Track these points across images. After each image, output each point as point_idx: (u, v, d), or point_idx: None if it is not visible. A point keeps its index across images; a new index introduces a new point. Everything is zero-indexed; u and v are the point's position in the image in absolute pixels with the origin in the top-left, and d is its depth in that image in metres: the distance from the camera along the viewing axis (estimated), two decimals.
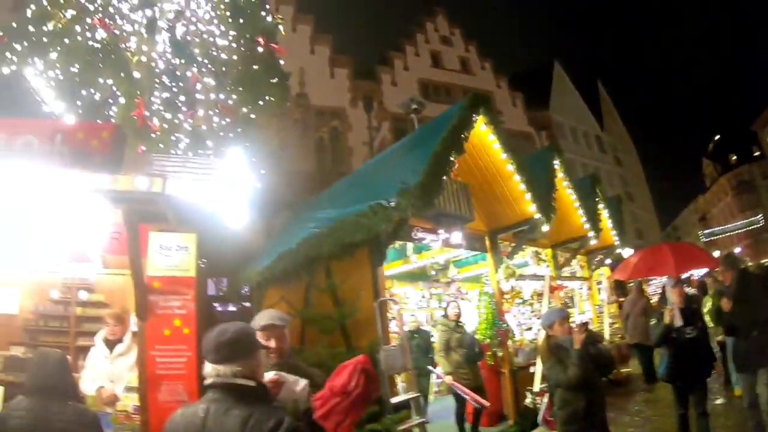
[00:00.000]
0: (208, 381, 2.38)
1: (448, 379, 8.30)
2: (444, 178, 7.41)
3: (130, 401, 5.44)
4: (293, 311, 8.34)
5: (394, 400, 6.69)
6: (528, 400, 9.11)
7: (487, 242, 10.21)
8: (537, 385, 9.01)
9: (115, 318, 6.15)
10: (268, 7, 11.02)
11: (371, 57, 35.53)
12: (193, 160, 6.50)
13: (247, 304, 11.60)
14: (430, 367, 9.31)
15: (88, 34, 8.81)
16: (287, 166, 18.53)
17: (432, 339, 9.77)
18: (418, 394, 6.95)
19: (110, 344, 6.02)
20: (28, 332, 7.52)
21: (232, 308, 13.14)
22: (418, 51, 34.19)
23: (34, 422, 3.19)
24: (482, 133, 8.96)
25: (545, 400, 7.52)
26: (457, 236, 8.65)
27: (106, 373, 5.78)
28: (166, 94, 8.90)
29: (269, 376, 2.85)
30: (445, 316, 9.04)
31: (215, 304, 13.01)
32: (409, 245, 10.58)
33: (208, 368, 2.38)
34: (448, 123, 8.09)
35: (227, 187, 5.07)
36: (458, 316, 8.81)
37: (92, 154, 4.49)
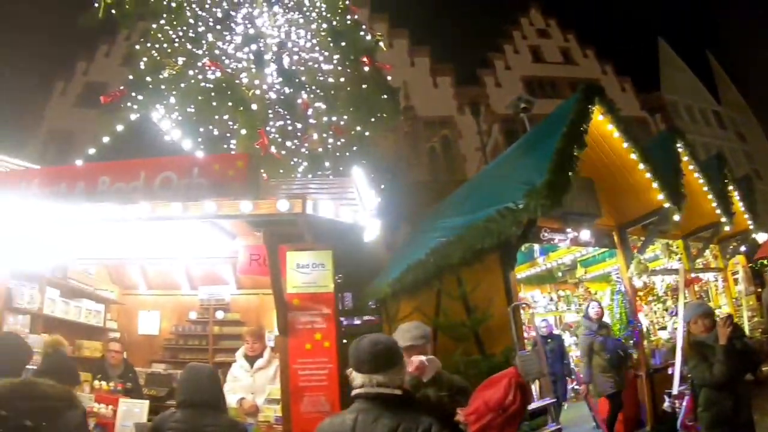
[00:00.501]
0: (357, 391, 2.43)
1: (582, 389, 8.04)
2: (570, 174, 7.24)
3: (271, 412, 5.70)
4: (427, 321, 8.37)
5: (530, 406, 6.60)
6: (666, 404, 8.60)
7: (616, 238, 9.78)
8: (676, 388, 8.48)
9: (254, 335, 6.52)
10: (364, 27, 11.33)
11: (471, 61, 35.27)
12: (319, 180, 6.78)
13: (373, 317, 11.73)
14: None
15: (200, 76, 9.53)
16: (403, 179, 18.87)
17: (565, 343, 9.54)
18: (554, 400, 6.80)
19: (250, 359, 6.39)
20: (169, 350, 8.28)
21: (357, 322, 13.33)
22: (517, 48, 33.50)
23: None
24: (600, 123, 8.63)
25: (684, 403, 7.08)
26: (585, 234, 8.37)
27: (247, 386, 6.16)
28: (280, 122, 9.36)
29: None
30: (587, 317, 8.69)
31: (341, 319, 13.34)
32: (536, 247, 10.40)
33: (359, 378, 2.42)
34: (565, 118, 7.83)
35: (357, 204, 5.27)
36: (600, 316, 8.46)
37: (229, 184, 4.78)
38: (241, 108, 8.85)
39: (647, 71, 37.22)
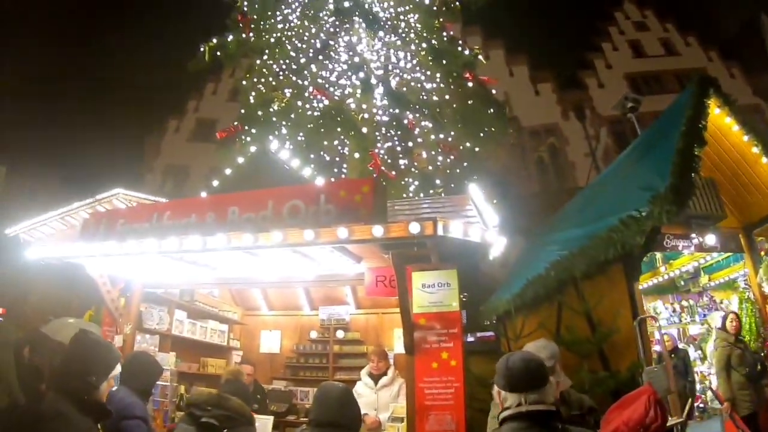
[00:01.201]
0: (511, 411, 2.33)
1: (726, 407, 7.54)
2: (693, 175, 6.87)
3: (395, 430, 5.86)
4: (549, 337, 8.16)
5: None
6: None
7: (742, 240, 9.16)
8: None
9: (379, 355, 6.83)
10: (461, 42, 11.35)
11: (570, 64, 34.27)
12: (431, 199, 6.81)
13: (487, 333, 11.55)
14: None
15: (308, 105, 9.89)
16: (513, 191, 18.63)
17: (691, 358, 9.02)
18: (682, 419, 6.43)
19: (374, 377, 6.69)
20: (290, 368, 8.78)
21: (470, 339, 13.20)
22: (615, 45, 31.90)
23: None
24: (716, 117, 8.13)
25: None
26: (710, 238, 7.90)
27: (371, 402, 6.45)
28: (388, 143, 9.51)
29: None
30: (723, 328, 8.18)
31: None
32: (657, 255, 9.93)
33: (513, 398, 2.34)
34: (681, 114, 7.40)
35: (478, 221, 5.26)
36: (738, 329, 7.95)
37: (357, 209, 4.88)
38: (352, 132, 9.05)
39: (754, 52, 34.40)
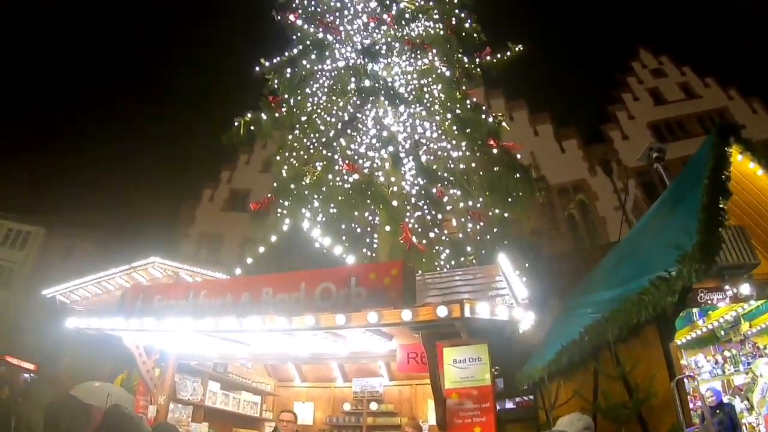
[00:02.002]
0: None
1: None
2: (720, 230, 6.81)
3: None
4: (586, 405, 8.02)
5: None
6: None
7: None
8: None
9: (412, 427, 6.94)
10: (485, 108, 11.60)
11: (593, 118, 34.35)
12: (463, 271, 6.88)
13: (525, 398, 11.35)
14: None
15: (338, 179, 10.17)
16: (545, 251, 18.56)
17: (736, 411, 8.73)
18: None
19: None
20: None
21: (509, 405, 12.98)
22: (636, 95, 32.08)
23: None
24: (740, 164, 8.06)
25: None
26: (745, 287, 7.76)
27: None
28: (418, 213, 9.66)
29: None
30: None
31: None
32: (694, 309, 9.76)
33: None
34: (704, 165, 7.38)
35: (507, 293, 5.31)
36: None
37: (386, 291, 5.01)
38: (382, 205, 9.23)
39: None
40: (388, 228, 9.24)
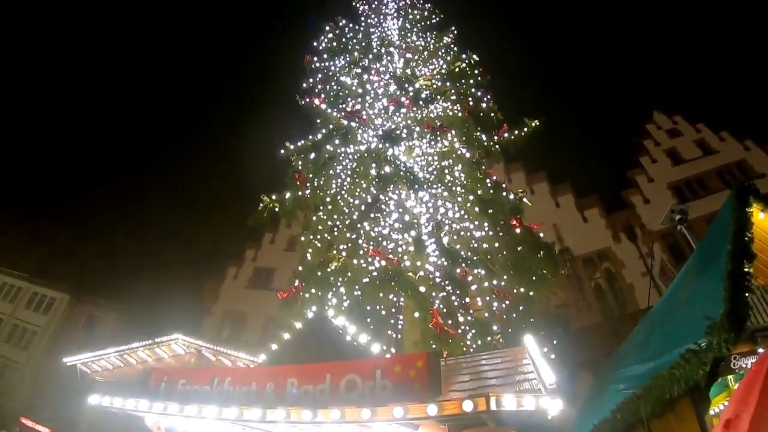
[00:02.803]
0: None
1: None
2: (748, 295, 6.66)
3: None
4: None
5: None
6: None
7: None
8: None
9: None
10: (505, 185, 11.71)
11: (613, 184, 34.17)
12: (489, 355, 6.81)
13: None
14: None
15: (363, 263, 10.28)
16: (574, 324, 18.25)
17: None
18: None
19: None
20: None
21: None
22: (653, 157, 31.86)
23: None
24: (762, 222, 7.95)
25: None
26: None
27: None
28: (442, 294, 9.65)
29: None
30: None
31: None
32: (729, 376, 9.46)
33: None
34: (725, 231, 7.28)
35: (534, 378, 5.22)
36: None
37: (412, 384, 4.99)
38: (409, 292, 9.24)
39: None
40: (416, 314, 9.21)
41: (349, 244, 10.92)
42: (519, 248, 10.44)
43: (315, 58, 15.69)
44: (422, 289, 9.45)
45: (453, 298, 9.64)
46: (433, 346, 8.84)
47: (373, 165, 11.54)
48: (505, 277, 10.00)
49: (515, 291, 9.96)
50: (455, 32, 16.64)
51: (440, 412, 4.57)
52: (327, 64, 15.50)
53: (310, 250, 11.55)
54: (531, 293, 9.97)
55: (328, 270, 10.31)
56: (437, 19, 17.77)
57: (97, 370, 14.24)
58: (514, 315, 9.61)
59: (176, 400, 6.42)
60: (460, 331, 9.30)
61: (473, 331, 9.35)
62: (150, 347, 13.20)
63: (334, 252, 10.98)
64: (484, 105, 13.55)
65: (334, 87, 14.59)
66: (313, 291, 10.11)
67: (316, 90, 14.78)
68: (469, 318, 9.53)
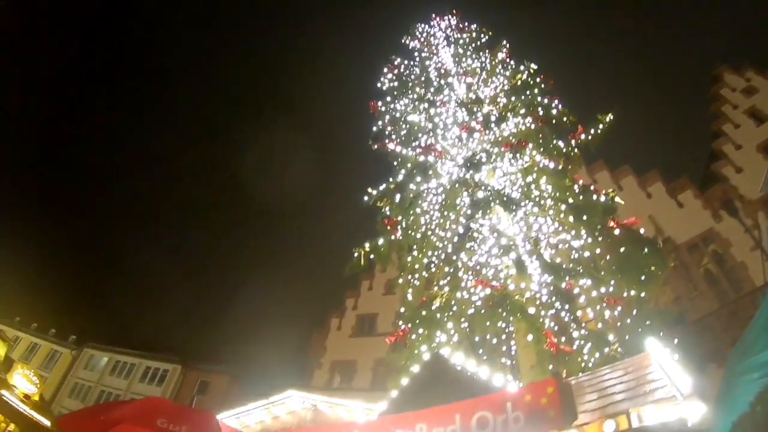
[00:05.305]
0: None
1: None
2: None
3: None
4: None
5: None
6: None
7: None
8: None
9: None
10: (593, 188, 11.46)
11: (701, 161, 32.21)
12: (610, 368, 6.62)
13: None
14: None
15: (466, 294, 10.30)
16: (690, 317, 17.48)
17: None
18: None
19: None
20: None
21: None
22: (735, 122, 29.48)
23: None
24: None
25: None
26: None
27: None
28: (551, 312, 9.50)
29: None
30: None
31: None
32: None
33: None
34: None
35: (665, 384, 5.04)
36: None
37: (545, 412, 4.93)
38: (519, 315, 9.16)
39: None
40: (530, 337, 9.09)
41: (449, 278, 10.98)
42: (621, 249, 10.15)
43: (379, 103, 16.01)
44: (531, 310, 9.34)
45: (562, 314, 9.44)
46: (551, 367, 8.70)
47: (465, 193, 11.59)
48: (612, 282, 9.74)
49: (625, 295, 9.67)
50: (507, 46, 16.66)
51: None
52: (392, 106, 15.75)
53: (410, 290, 11.67)
54: (642, 294, 9.65)
55: (432, 308, 10.37)
56: (486, 37, 17.78)
57: None
58: (629, 321, 9.31)
59: None
60: (575, 347, 9.09)
61: (589, 344, 9.11)
62: (265, 407, 13.54)
63: (436, 289, 11.04)
64: (554, 111, 13.38)
65: (404, 127, 14.83)
66: (420, 331, 10.18)
67: (387, 133, 15.08)
68: (583, 332, 9.30)
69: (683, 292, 22.95)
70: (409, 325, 10.46)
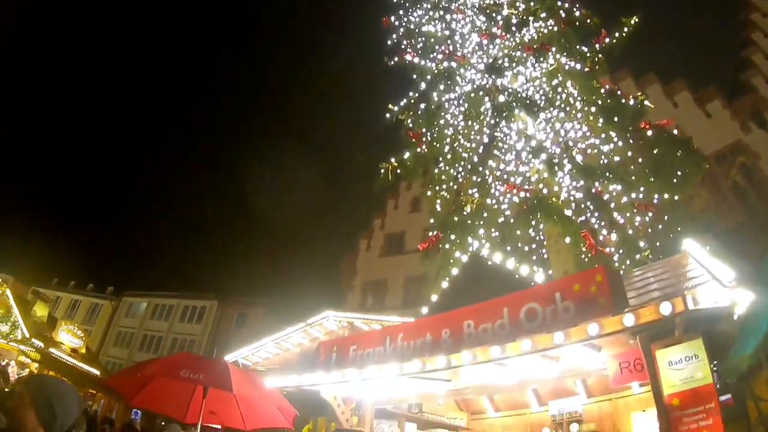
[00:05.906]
0: None
1: None
2: None
3: None
4: None
5: None
6: None
7: None
8: None
9: None
10: (620, 92, 11.12)
11: (729, 70, 30.94)
12: (642, 270, 6.56)
13: (727, 397, 10.06)
14: None
15: (494, 201, 10.19)
16: (717, 229, 17.29)
17: None
18: None
19: None
20: None
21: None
22: (766, 31, 27.94)
23: None
24: None
25: None
26: None
27: None
28: (581, 218, 9.39)
29: None
30: None
31: None
32: None
33: None
34: None
35: (708, 279, 4.96)
36: None
37: (595, 300, 4.86)
38: (556, 217, 9.00)
39: None
40: (568, 240, 8.97)
41: (478, 187, 10.87)
42: (655, 151, 9.91)
43: (392, 18, 15.33)
44: (568, 212, 9.21)
45: (593, 220, 9.34)
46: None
47: (486, 99, 11.31)
48: (642, 189, 9.56)
49: (656, 201, 9.51)
50: None
51: (637, 321, 4.38)
52: (405, 18, 15.10)
53: (438, 202, 11.59)
54: (675, 197, 9.46)
55: (464, 214, 10.27)
56: None
57: (258, 361, 15.14)
58: (660, 227, 9.19)
59: (352, 366, 6.62)
60: (606, 252, 9.01)
61: (620, 251, 9.03)
62: (303, 329, 13.81)
63: (467, 196, 10.93)
64: (577, 14, 12.82)
65: (420, 39, 14.26)
66: (452, 237, 10.12)
67: (402, 46, 14.50)
68: (613, 238, 9.21)
69: (711, 204, 22.64)
70: (441, 233, 10.39)
